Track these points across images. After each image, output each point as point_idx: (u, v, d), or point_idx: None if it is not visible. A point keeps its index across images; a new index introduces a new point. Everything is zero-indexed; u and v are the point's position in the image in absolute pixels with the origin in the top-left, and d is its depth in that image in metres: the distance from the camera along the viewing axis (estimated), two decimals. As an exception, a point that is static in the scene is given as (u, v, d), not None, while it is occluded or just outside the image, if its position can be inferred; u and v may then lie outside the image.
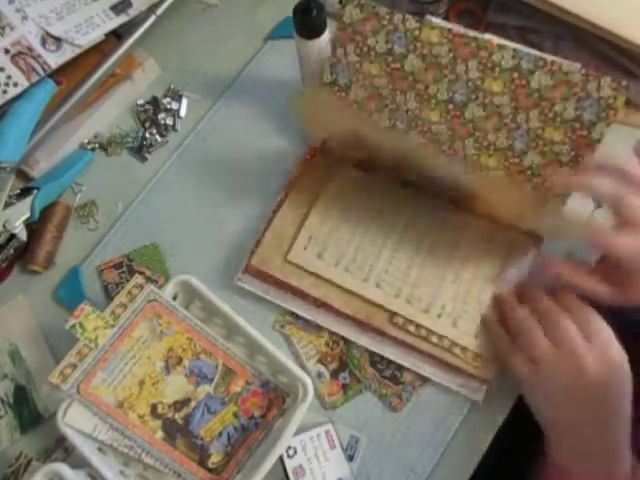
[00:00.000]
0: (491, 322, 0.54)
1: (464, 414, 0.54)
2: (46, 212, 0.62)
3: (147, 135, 0.67)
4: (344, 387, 0.55)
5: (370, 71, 0.56)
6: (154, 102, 0.69)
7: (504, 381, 0.53)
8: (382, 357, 0.55)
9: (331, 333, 0.57)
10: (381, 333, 0.55)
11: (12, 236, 0.60)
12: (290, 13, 0.53)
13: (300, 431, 0.51)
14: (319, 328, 0.57)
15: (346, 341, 0.56)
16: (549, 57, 0.52)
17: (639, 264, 0.47)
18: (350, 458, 0.53)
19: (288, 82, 0.68)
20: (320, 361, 0.56)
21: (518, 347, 0.51)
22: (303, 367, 0.56)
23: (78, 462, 0.49)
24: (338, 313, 0.56)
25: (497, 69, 0.53)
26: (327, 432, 0.53)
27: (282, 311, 0.58)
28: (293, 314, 0.58)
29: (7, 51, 0.59)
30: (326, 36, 0.56)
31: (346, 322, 0.56)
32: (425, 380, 0.55)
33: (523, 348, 0.51)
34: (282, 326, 0.58)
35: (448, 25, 0.55)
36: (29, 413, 0.57)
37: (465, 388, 0.54)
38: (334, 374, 0.56)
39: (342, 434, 0.53)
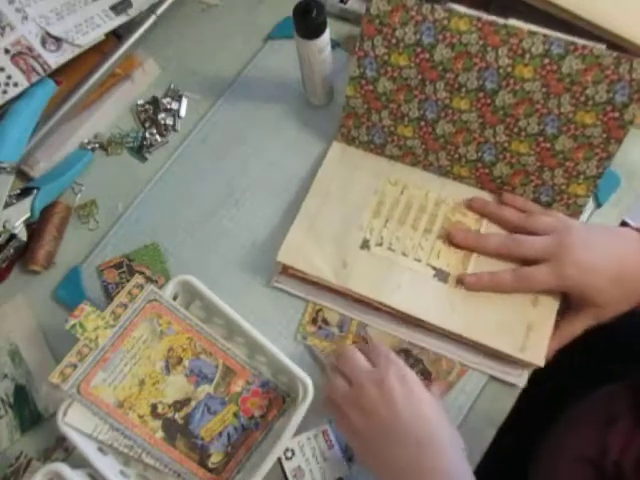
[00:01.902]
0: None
1: (464, 414, 0.54)
2: (46, 212, 0.62)
3: (147, 135, 0.67)
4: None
5: (399, 62, 0.56)
6: (154, 102, 0.69)
7: (504, 381, 0.54)
8: (408, 353, 0.55)
9: (354, 339, 0.56)
10: (421, 324, 0.54)
11: (12, 236, 0.60)
12: (290, 13, 0.53)
13: (297, 432, 0.51)
14: (341, 336, 0.56)
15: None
16: (580, 41, 0.52)
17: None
18: (350, 458, 0.53)
19: (288, 82, 0.68)
20: None
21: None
22: (329, 377, 0.55)
23: (78, 462, 0.50)
24: (376, 308, 0.55)
25: (527, 55, 0.52)
26: (324, 432, 0.53)
27: (303, 322, 0.57)
28: (314, 324, 0.57)
29: (7, 51, 0.59)
30: (326, 36, 0.56)
31: (384, 316, 0.56)
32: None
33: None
34: (304, 337, 0.57)
35: (475, 13, 0.54)
36: (29, 413, 0.57)
37: (507, 374, 0.54)
38: None
39: (342, 434, 0.53)
